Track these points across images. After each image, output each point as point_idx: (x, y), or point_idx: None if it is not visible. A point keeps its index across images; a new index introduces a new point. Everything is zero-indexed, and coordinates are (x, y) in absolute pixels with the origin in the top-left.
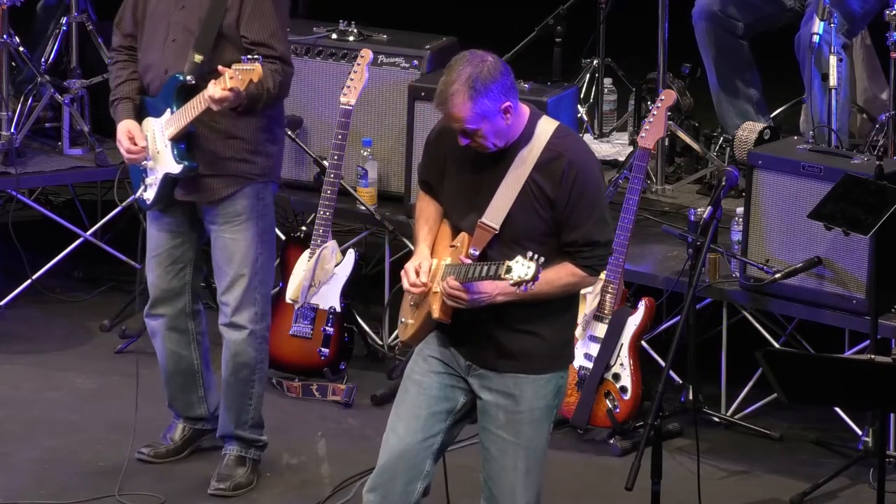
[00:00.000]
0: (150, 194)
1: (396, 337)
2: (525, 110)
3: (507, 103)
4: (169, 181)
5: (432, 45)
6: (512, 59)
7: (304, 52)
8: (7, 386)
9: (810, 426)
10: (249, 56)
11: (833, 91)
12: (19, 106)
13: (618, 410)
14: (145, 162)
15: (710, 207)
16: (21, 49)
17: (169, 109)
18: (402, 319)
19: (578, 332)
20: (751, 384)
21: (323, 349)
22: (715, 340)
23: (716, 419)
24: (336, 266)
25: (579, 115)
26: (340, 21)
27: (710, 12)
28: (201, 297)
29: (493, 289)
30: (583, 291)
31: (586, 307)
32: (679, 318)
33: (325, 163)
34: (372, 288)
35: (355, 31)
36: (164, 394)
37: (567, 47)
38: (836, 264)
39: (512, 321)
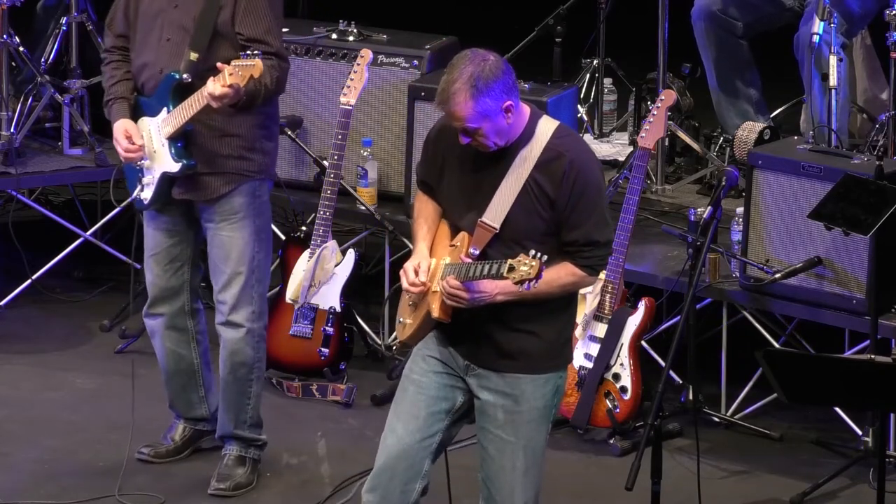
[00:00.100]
0: (147, 194)
1: (395, 338)
2: (526, 110)
3: (509, 102)
4: (166, 180)
5: (432, 45)
6: (512, 59)
7: (304, 52)
8: (7, 386)
9: (810, 426)
10: (249, 52)
11: (833, 91)
12: (19, 106)
13: (618, 410)
14: (142, 161)
15: (710, 207)
16: (21, 49)
17: (165, 108)
18: (401, 319)
19: (578, 332)
20: (751, 384)
21: (323, 349)
22: (715, 340)
23: (716, 419)
24: (336, 266)
25: (579, 115)
26: (340, 21)
27: (709, 12)
28: (200, 296)
29: (493, 288)
30: (583, 291)
31: (586, 307)
32: (679, 318)
33: (325, 163)
34: (372, 288)
35: (355, 31)
36: (164, 394)
37: (567, 47)
38: (836, 264)
39: (511, 321)
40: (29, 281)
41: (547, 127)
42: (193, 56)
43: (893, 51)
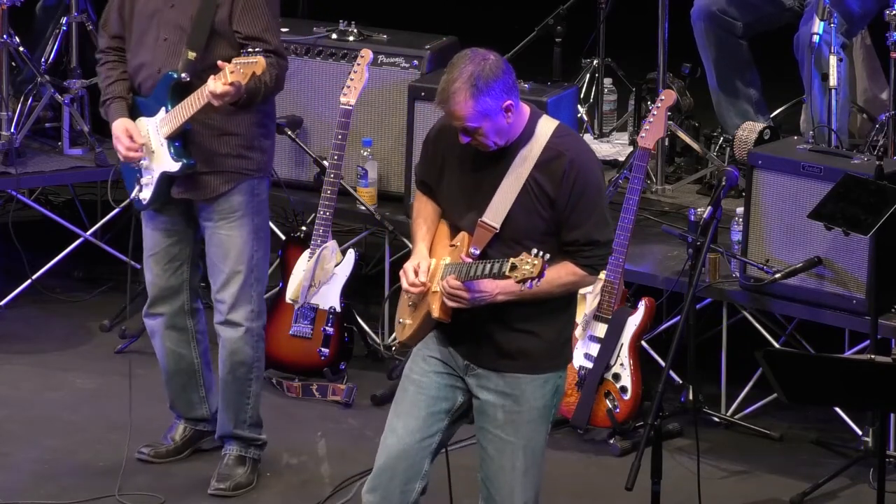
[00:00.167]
0: (146, 194)
1: (395, 338)
2: (526, 109)
3: (509, 102)
4: (165, 180)
5: (432, 45)
6: (512, 59)
7: (304, 52)
8: (7, 386)
9: (810, 426)
10: (250, 49)
11: (833, 91)
12: (19, 106)
13: (618, 410)
14: (140, 162)
15: (710, 207)
16: (21, 49)
17: (163, 108)
18: (400, 320)
19: (578, 332)
20: (751, 384)
21: (323, 349)
22: (715, 340)
23: (716, 419)
24: (336, 266)
25: (579, 115)
26: (340, 21)
27: (709, 12)
28: (200, 296)
29: (493, 288)
30: (583, 291)
31: (586, 307)
32: (679, 318)
33: (325, 163)
34: (372, 288)
35: (355, 31)
36: (165, 395)
37: (567, 47)
38: (836, 264)
39: (511, 321)
40: (29, 281)
41: (547, 126)
42: (191, 55)
43: (893, 51)
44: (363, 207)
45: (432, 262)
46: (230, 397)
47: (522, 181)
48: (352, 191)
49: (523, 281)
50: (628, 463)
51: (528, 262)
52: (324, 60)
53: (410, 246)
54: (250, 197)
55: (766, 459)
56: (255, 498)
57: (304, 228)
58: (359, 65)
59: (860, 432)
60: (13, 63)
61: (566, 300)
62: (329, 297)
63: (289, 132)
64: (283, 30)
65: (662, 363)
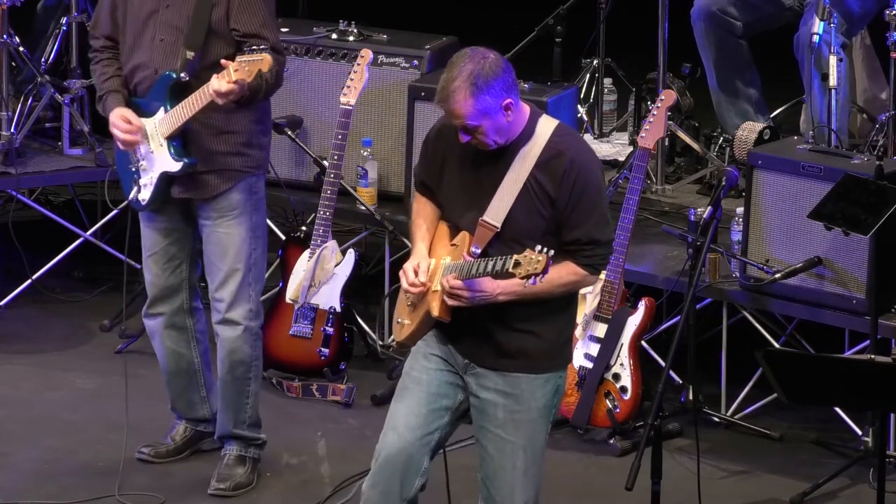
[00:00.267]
0: (145, 194)
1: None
2: (526, 109)
3: (508, 100)
4: (165, 179)
5: (432, 45)
6: (512, 59)
7: (304, 52)
8: (7, 386)
9: (810, 426)
10: (254, 47)
11: (833, 91)
12: (19, 106)
13: (618, 410)
14: (139, 163)
15: (710, 207)
16: (21, 49)
17: (162, 108)
18: (399, 320)
19: (578, 332)
20: (751, 384)
21: (323, 349)
22: (715, 340)
23: (716, 419)
24: (336, 266)
25: (579, 115)
26: (340, 21)
27: (709, 12)
28: (200, 295)
29: (494, 288)
30: (583, 291)
31: (586, 307)
32: (679, 318)
33: (325, 163)
34: (372, 288)
35: (355, 31)
36: (166, 396)
37: (567, 47)
38: (836, 264)
39: (511, 320)
40: (29, 281)
41: (547, 126)
42: (190, 54)
43: (893, 51)
44: (363, 207)
45: (431, 262)
46: (229, 397)
47: (523, 180)
48: (352, 191)
49: (527, 277)
50: (628, 463)
51: (532, 258)
52: (324, 60)
53: (410, 245)
54: (249, 195)
55: (766, 459)
56: (255, 498)
57: (304, 228)
58: (359, 65)
59: (860, 432)
60: (13, 63)
61: (566, 300)
62: (329, 297)
63: (289, 132)
64: (284, 30)
65: (662, 363)
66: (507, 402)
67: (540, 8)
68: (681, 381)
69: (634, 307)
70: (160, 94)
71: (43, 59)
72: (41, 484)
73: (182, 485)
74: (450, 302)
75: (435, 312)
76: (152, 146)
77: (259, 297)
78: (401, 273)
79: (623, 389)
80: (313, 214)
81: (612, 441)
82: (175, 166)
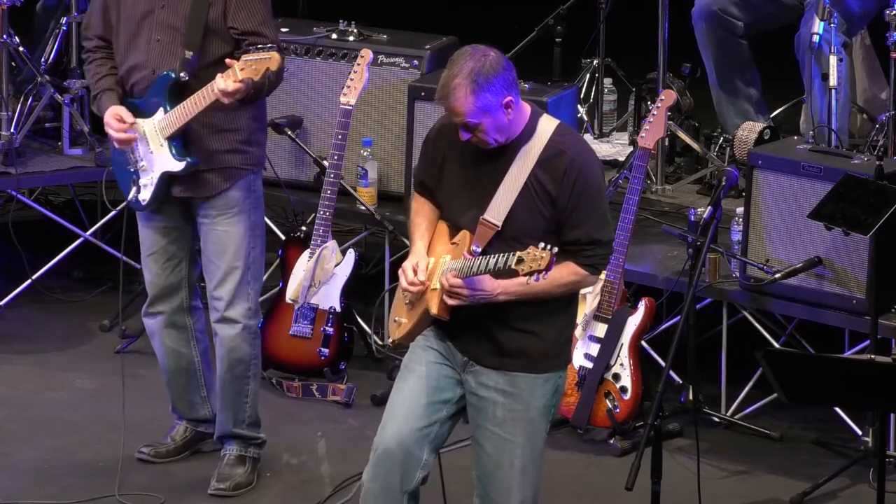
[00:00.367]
0: (145, 195)
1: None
2: (526, 108)
3: (509, 98)
4: (166, 179)
5: (432, 45)
6: (512, 59)
7: (304, 52)
8: (7, 386)
9: (810, 426)
10: (259, 45)
11: (833, 91)
12: (19, 106)
13: (618, 410)
14: (138, 164)
15: (710, 207)
16: (21, 49)
17: (162, 108)
18: (396, 318)
19: (578, 332)
20: (751, 384)
21: (323, 349)
22: (715, 340)
23: (716, 419)
24: (336, 266)
25: (579, 115)
26: (340, 21)
27: (709, 12)
28: (199, 294)
29: (494, 287)
30: (583, 291)
31: (586, 307)
32: (679, 318)
33: (325, 163)
34: (372, 288)
35: (355, 31)
36: (167, 397)
37: (567, 47)
38: (836, 264)
39: (511, 320)
40: (29, 281)
41: (548, 125)
42: (188, 54)
43: (893, 51)
44: (363, 207)
45: (431, 261)
46: (229, 396)
47: (524, 179)
48: (352, 191)
49: (530, 274)
50: (628, 463)
51: (535, 254)
52: (324, 60)
53: (409, 245)
54: (247, 193)
55: (766, 459)
56: (255, 498)
57: (304, 228)
58: (359, 65)
59: (860, 432)
60: (13, 63)
61: (566, 300)
62: (329, 297)
63: (289, 132)
64: (284, 30)
65: (662, 363)
66: (506, 400)
67: (540, 8)
68: (681, 381)
69: (634, 307)
70: (159, 95)
71: (43, 59)
72: (41, 484)
73: (182, 485)
74: (449, 301)
75: (434, 311)
76: (152, 146)
77: (258, 296)
78: (400, 272)
79: (623, 389)
80: (313, 214)
81: (612, 441)
82: (178, 166)
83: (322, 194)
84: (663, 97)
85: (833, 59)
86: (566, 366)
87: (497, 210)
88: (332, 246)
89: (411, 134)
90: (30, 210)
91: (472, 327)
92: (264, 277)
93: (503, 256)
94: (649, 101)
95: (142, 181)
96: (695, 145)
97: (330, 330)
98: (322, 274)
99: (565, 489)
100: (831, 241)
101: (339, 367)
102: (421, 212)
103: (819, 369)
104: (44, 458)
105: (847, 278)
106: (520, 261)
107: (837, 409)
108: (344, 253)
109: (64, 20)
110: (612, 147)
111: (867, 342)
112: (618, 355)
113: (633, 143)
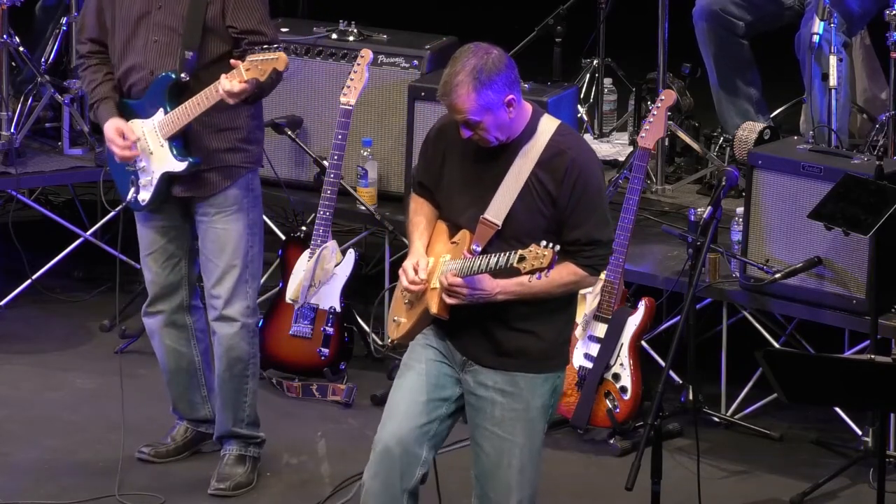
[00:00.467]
0: (145, 195)
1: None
2: (528, 107)
3: (511, 96)
4: (166, 179)
5: (432, 45)
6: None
7: (304, 52)
8: (7, 386)
9: (810, 426)
10: (265, 45)
11: (833, 91)
12: (19, 106)
13: (618, 410)
14: (138, 164)
15: (710, 207)
16: (21, 49)
17: (162, 109)
18: (395, 318)
19: (578, 332)
20: (751, 384)
21: (323, 349)
22: (715, 340)
23: (716, 419)
24: (336, 266)
25: (579, 115)
26: (340, 21)
27: (710, 12)
28: (199, 294)
29: (493, 286)
30: (583, 291)
31: (586, 307)
32: (679, 318)
33: (325, 163)
34: (372, 288)
35: (355, 31)
36: (167, 397)
37: (567, 47)
38: (836, 264)
39: (510, 320)
40: (29, 281)
41: (549, 125)
42: (188, 54)
43: (893, 51)
44: (363, 207)
45: (430, 260)
46: (228, 395)
47: (524, 179)
48: (352, 191)
49: (532, 272)
50: (628, 463)
51: (537, 252)
52: (324, 60)
53: (408, 244)
54: (246, 191)
55: (766, 459)
56: (255, 498)
57: (304, 228)
58: (359, 65)
59: (860, 432)
60: (13, 63)
61: (565, 300)
62: (329, 297)
63: (289, 132)
64: (284, 30)
65: (662, 363)
66: (505, 400)
67: (540, 8)
68: (681, 381)
69: (634, 307)
70: (158, 95)
71: (43, 59)
72: (41, 484)
73: (182, 485)
74: (448, 300)
75: (433, 310)
76: (152, 147)
77: (256, 294)
78: (400, 271)
79: (623, 389)
80: (313, 214)
81: (612, 441)
82: (179, 166)
83: (322, 194)
84: (663, 97)
85: (833, 59)
86: (565, 366)
87: (497, 209)
88: (332, 246)
89: (411, 134)
90: (30, 210)
91: (472, 327)
92: (264, 278)
93: (504, 255)
94: (649, 101)
95: (141, 181)
96: (695, 145)
97: (330, 330)
98: (322, 274)
99: (565, 489)
100: (831, 241)
101: (339, 367)
102: (419, 211)
103: (819, 369)
104: (44, 458)
105: (847, 278)
106: (522, 259)
107: (837, 409)
108: (344, 253)
109: (64, 20)
110: (612, 147)
111: (867, 342)
112: (618, 355)
113: (633, 143)
